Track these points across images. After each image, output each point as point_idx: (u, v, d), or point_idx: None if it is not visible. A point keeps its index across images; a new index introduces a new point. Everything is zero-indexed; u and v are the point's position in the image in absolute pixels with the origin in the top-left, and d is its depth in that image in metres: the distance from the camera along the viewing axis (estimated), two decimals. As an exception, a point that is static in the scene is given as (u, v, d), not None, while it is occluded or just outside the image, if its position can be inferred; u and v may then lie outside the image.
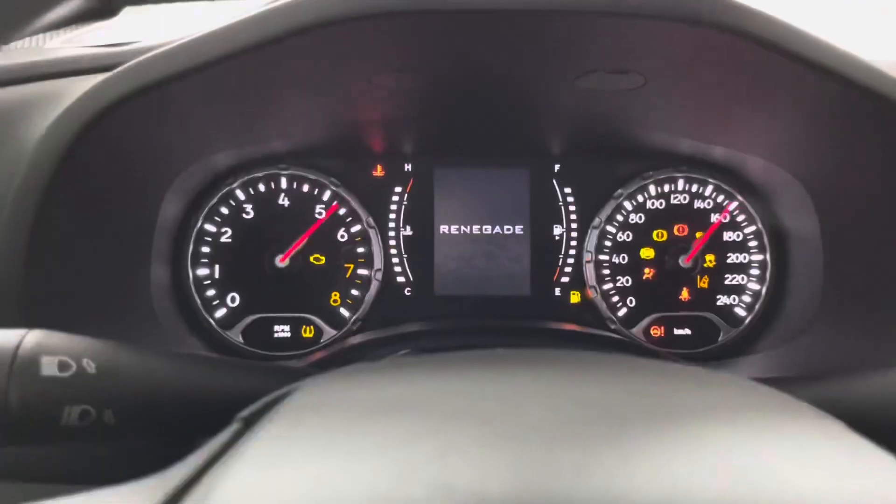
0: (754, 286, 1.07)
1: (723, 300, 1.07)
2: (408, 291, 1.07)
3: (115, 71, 0.65)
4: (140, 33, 1.14)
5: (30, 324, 0.48)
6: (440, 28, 0.59)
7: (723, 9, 0.57)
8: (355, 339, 0.97)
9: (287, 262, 1.02)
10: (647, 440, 0.35)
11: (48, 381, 0.47)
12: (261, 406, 0.45)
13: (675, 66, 0.72)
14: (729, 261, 1.07)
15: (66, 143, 0.64)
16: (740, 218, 1.07)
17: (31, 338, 0.47)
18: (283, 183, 1.04)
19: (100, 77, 0.68)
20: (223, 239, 1.04)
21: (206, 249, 1.03)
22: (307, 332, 1.04)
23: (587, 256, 1.06)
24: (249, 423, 0.43)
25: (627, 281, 1.07)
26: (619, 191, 1.06)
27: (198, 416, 0.54)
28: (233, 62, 0.59)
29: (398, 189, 1.07)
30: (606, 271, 1.07)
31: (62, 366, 0.48)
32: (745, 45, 0.61)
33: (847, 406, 0.52)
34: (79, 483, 0.44)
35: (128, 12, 1.33)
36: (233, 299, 1.03)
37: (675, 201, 1.07)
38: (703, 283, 1.07)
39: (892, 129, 0.69)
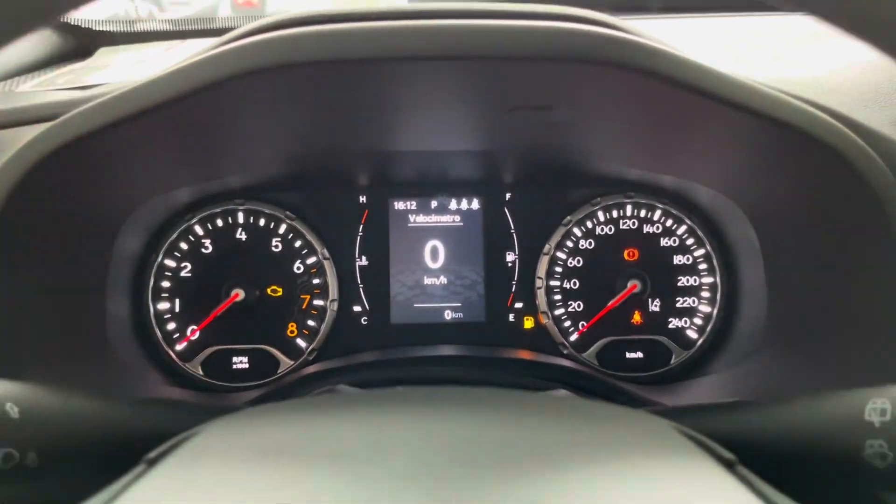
0: (705, 308, 1.09)
1: (674, 323, 1.09)
2: (364, 321, 1.09)
3: (51, 124, 0.68)
4: (112, 74, 1.18)
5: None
6: (334, 74, 0.61)
7: (620, 49, 0.59)
8: (309, 370, 0.99)
9: (244, 294, 1.05)
10: (506, 483, 0.37)
11: (-30, 427, 0.49)
12: (165, 448, 0.48)
13: (597, 102, 0.75)
14: (680, 284, 1.09)
15: (8, 188, 0.67)
16: (690, 241, 1.09)
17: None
18: (241, 217, 1.07)
19: (43, 127, 0.72)
20: (183, 273, 1.06)
21: (166, 284, 1.06)
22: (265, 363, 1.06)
23: (538, 282, 1.08)
24: (152, 465, 0.46)
25: (579, 306, 1.09)
26: (568, 217, 1.09)
27: (119, 456, 0.56)
28: (155, 113, 0.62)
29: (353, 221, 1.09)
30: (558, 297, 1.09)
31: (-16, 411, 0.51)
32: (651, 83, 0.63)
33: (747, 436, 0.54)
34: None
35: (102, 53, 1.37)
36: (192, 332, 1.05)
37: (625, 226, 1.10)
38: (655, 306, 1.09)
39: (800, 154, 0.72)
